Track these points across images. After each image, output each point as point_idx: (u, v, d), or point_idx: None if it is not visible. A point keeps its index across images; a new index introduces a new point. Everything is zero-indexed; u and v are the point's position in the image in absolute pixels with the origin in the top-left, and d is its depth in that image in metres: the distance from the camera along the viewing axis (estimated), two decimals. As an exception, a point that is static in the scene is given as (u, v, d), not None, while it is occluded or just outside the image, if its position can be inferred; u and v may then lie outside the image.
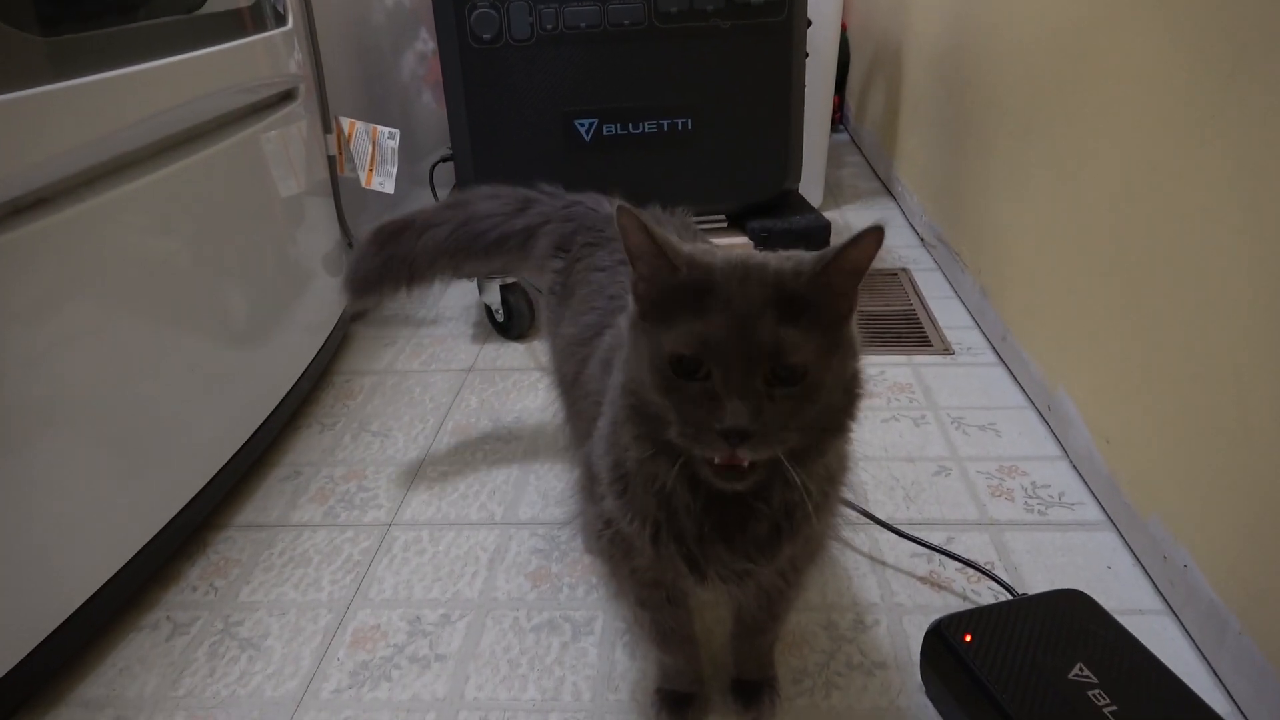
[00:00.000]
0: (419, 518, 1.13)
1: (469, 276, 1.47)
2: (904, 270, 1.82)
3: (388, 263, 1.03)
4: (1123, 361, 1.04)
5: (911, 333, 1.56)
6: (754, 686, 0.83)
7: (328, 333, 1.47)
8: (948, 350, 1.49)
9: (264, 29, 1.26)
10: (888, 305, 1.66)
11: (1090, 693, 0.73)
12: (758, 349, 0.53)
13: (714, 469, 0.56)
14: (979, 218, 1.57)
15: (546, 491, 1.17)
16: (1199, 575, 0.87)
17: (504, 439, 1.29)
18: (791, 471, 0.57)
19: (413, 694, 0.87)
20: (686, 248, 0.57)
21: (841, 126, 3.04)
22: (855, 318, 0.59)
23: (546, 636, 0.93)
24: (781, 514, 0.62)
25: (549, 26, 1.39)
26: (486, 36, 1.39)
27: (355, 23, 1.72)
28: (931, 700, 0.83)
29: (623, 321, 0.62)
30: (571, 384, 0.84)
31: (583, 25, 1.40)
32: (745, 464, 0.56)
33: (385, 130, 1.52)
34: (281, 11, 1.32)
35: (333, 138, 1.54)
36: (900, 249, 1.94)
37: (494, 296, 1.58)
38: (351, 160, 1.55)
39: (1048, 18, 1.26)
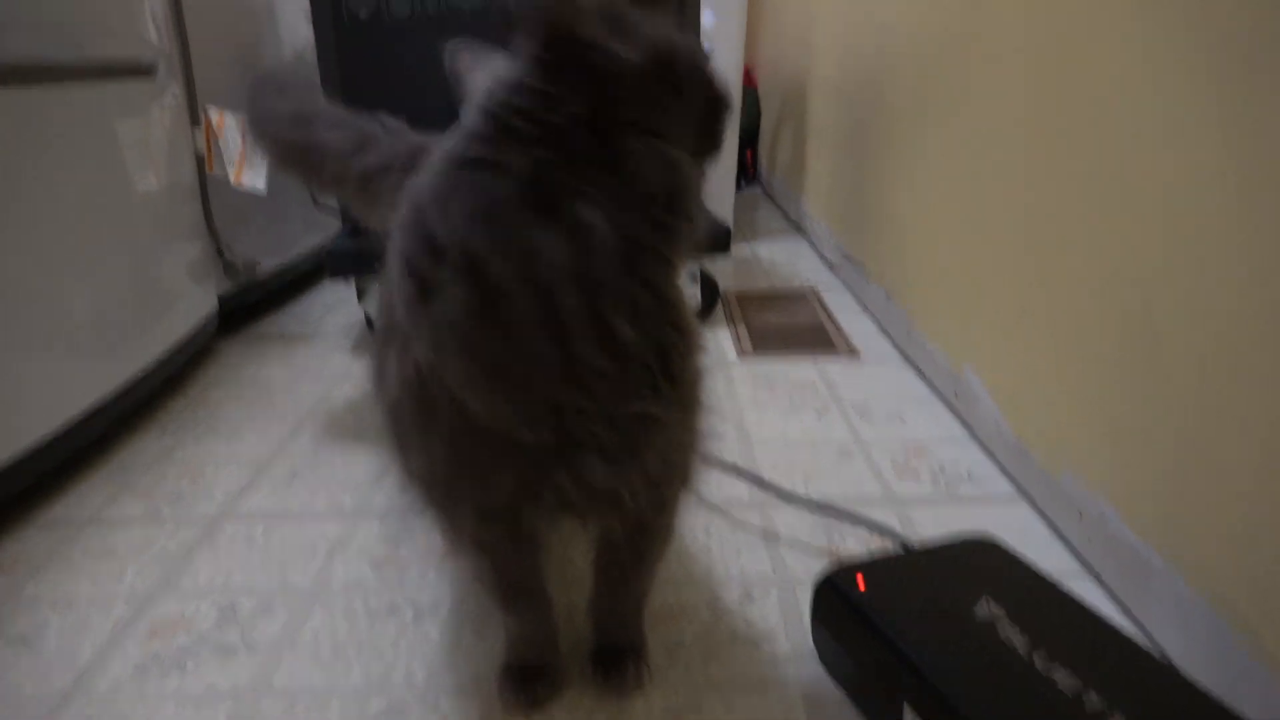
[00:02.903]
0: (256, 510, 0.98)
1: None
2: (812, 289, 1.77)
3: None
4: (1024, 328, 0.97)
5: (817, 340, 1.48)
6: (618, 653, 0.70)
7: (179, 337, 1.33)
8: (853, 351, 1.42)
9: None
10: (793, 319, 1.60)
11: (1000, 626, 0.63)
12: None
13: None
14: (880, 223, 1.53)
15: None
16: (1119, 522, 0.78)
17: (369, 437, 1.16)
18: None
19: (208, 683, 0.72)
20: None
21: (756, 181, 3.05)
22: None
23: (383, 621, 0.79)
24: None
25: (431, 6, 1.33)
26: (363, 15, 1.32)
27: (237, 12, 1.63)
28: (826, 666, 0.71)
29: None
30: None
31: (466, 8, 1.34)
32: None
33: (256, 123, 1.43)
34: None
35: (201, 132, 1.43)
36: (807, 274, 1.89)
37: (374, 304, 1.46)
38: (220, 156, 1.45)
39: (930, 13, 1.24)
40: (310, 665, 0.73)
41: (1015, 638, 0.62)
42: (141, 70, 1.28)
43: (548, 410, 0.52)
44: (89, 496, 1.02)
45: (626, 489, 0.58)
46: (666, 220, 0.50)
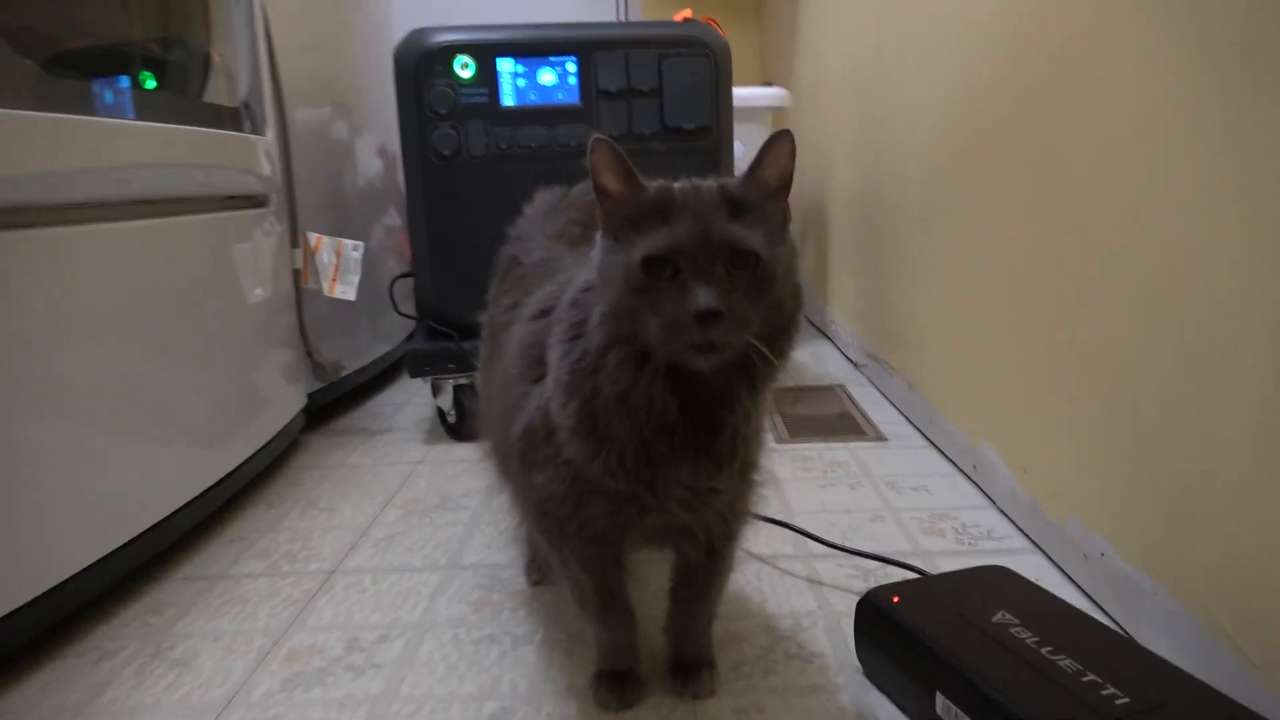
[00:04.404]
0: (363, 566, 1.13)
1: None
2: (839, 386, 1.93)
3: None
4: (1031, 402, 1.13)
5: (846, 427, 1.63)
6: (692, 665, 0.83)
7: (278, 428, 1.50)
8: (881, 438, 1.57)
9: (240, 130, 1.40)
10: (824, 410, 1.75)
11: (1013, 630, 0.76)
12: (717, 241, 0.62)
13: (693, 348, 0.62)
14: (900, 323, 1.70)
15: (491, 542, 1.18)
16: (1115, 557, 0.91)
17: (451, 509, 1.31)
18: (762, 352, 0.64)
19: (346, 693, 0.85)
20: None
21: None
22: (789, 225, 0.69)
23: (486, 647, 0.93)
24: (741, 418, 0.68)
25: (503, 145, 1.56)
26: (446, 153, 1.55)
27: (327, 154, 1.88)
28: (869, 676, 0.84)
29: (595, 254, 0.69)
30: (493, 387, 0.89)
31: (533, 145, 1.57)
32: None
33: (350, 243, 1.64)
34: (259, 125, 1.47)
35: (299, 252, 1.65)
36: (834, 373, 2.06)
37: (447, 399, 1.64)
38: (316, 272, 1.65)
39: (934, 140, 1.45)
40: (429, 679, 0.87)
41: (1026, 637, 0.75)
42: (257, 201, 1.50)
43: (628, 473, 0.69)
44: (216, 558, 1.17)
45: (700, 525, 0.74)
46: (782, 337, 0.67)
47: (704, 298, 0.60)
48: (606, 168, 0.65)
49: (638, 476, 0.69)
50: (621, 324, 0.65)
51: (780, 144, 0.65)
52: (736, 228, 0.63)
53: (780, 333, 0.67)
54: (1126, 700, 0.65)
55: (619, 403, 0.67)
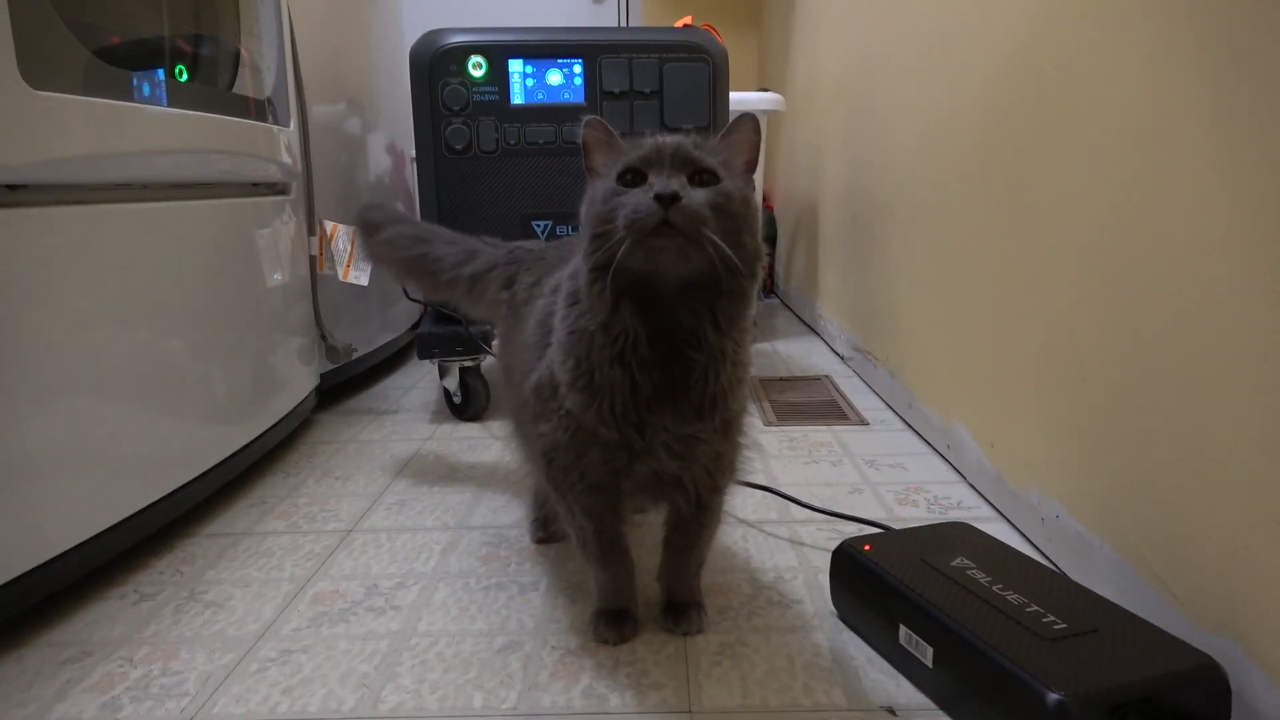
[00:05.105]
0: (378, 526, 1.21)
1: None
2: (826, 377, 2.02)
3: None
4: (999, 385, 1.22)
5: (831, 413, 1.73)
6: (683, 606, 0.92)
7: (292, 406, 1.58)
8: (863, 422, 1.66)
9: (265, 121, 1.49)
10: (810, 397, 1.84)
11: (969, 571, 0.85)
12: (681, 157, 0.74)
13: (653, 235, 0.70)
14: (883, 314, 1.80)
15: (498, 508, 1.27)
16: (1069, 518, 1.00)
17: (459, 480, 1.40)
18: (717, 249, 0.71)
19: (369, 629, 0.94)
20: None
21: (773, 293, 3.36)
22: (750, 181, 0.79)
23: (495, 593, 1.01)
24: (710, 361, 0.77)
25: (512, 141, 1.65)
26: (458, 147, 1.64)
27: (342, 148, 1.97)
28: (842, 618, 0.93)
29: (582, 205, 0.80)
30: (512, 356, 0.99)
31: (540, 142, 1.66)
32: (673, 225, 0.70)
33: (364, 231, 1.73)
34: (282, 117, 1.56)
35: (315, 239, 1.74)
36: (822, 365, 2.15)
37: (453, 381, 1.72)
38: (331, 259, 1.74)
39: (917, 144, 1.55)
40: (444, 619, 0.95)
41: (980, 577, 0.84)
42: (279, 189, 1.59)
43: (619, 420, 0.78)
44: (239, 517, 1.26)
45: (688, 476, 0.83)
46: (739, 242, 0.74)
47: (663, 184, 0.71)
48: (597, 144, 0.79)
49: (627, 421, 0.78)
50: (598, 244, 0.74)
51: (744, 121, 0.77)
52: (698, 152, 0.75)
53: (740, 266, 0.74)
54: (1064, 625, 0.74)
55: (602, 332, 0.76)
